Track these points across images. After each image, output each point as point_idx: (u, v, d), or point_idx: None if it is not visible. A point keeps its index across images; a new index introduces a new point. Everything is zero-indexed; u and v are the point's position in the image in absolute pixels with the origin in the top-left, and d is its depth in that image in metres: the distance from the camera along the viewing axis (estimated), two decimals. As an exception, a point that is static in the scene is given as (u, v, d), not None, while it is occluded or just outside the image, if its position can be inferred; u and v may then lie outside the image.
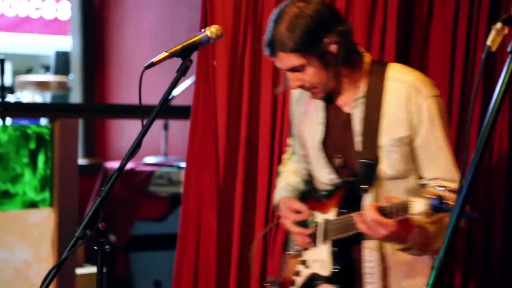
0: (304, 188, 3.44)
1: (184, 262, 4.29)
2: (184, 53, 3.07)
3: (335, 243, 3.16)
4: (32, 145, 4.50)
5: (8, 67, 8.28)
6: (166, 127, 6.88)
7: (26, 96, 8.22)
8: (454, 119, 4.48)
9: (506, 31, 2.15)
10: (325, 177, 3.26)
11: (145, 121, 2.99)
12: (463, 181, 2.13)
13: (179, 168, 6.31)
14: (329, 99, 3.24)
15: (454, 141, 4.48)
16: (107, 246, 2.91)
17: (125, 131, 7.80)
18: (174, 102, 5.98)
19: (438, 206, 2.59)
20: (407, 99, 3.09)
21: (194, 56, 3.28)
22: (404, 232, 2.90)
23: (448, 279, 4.41)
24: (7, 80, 8.21)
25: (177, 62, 3.02)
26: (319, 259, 3.22)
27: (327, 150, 3.24)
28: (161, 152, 6.94)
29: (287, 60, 3.06)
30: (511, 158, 4.62)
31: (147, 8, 7.58)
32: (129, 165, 6.39)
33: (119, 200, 6.35)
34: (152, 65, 3.00)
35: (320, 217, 3.24)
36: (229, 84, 4.22)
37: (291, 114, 3.50)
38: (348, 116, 3.19)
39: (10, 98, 8.10)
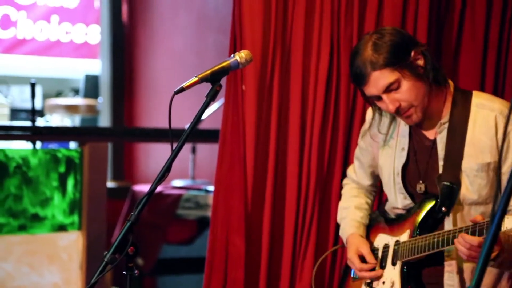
0: (367, 220, 3.46)
1: (212, 286, 4.28)
2: (213, 78, 3.06)
3: (405, 264, 3.16)
4: (62, 169, 4.51)
5: (38, 90, 8.31)
6: (194, 150, 6.88)
7: (55, 120, 8.26)
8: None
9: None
10: (401, 202, 3.27)
11: (174, 145, 2.99)
12: (495, 209, 2.11)
13: (207, 191, 6.30)
14: (412, 126, 3.25)
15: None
16: (136, 271, 2.91)
17: (153, 154, 7.81)
18: (202, 126, 5.98)
19: None
20: (494, 125, 3.09)
21: (223, 80, 3.28)
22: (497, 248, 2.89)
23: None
24: (38, 104, 8.25)
25: (206, 85, 3.03)
26: (388, 280, 3.22)
27: (407, 176, 3.25)
28: (188, 175, 6.93)
29: (382, 78, 3.06)
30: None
31: (175, 32, 7.60)
32: (158, 189, 6.39)
33: (147, 223, 6.35)
34: (182, 90, 2.99)
35: (390, 239, 3.23)
36: (257, 109, 4.22)
37: (359, 148, 3.52)
38: (432, 142, 3.19)
39: (40, 121, 8.15)
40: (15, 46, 8.47)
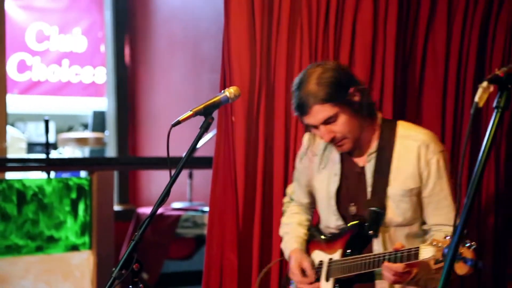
0: (307, 236, 3.41)
1: (209, 296, 4.27)
2: (206, 112, 3.07)
3: (337, 282, 3.12)
4: (73, 195, 4.50)
5: (51, 126, 8.32)
6: (191, 175, 6.87)
7: (67, 151, 8.25)
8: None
9: (491, 89, 2.14)
10: (334, 223, 3.24)
11: (172, 172, 2.99)
12: (457, 222, 2.12)
13: (203, 212, 6.29)
14: (344, 153, 3.22)
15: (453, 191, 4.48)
16: (141, 285, 2.90)
17: (155, 180, 7.79)
18: (197, 154, 5.98)
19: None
20: (417, 155, 3.09)
21: (215, 113, 3.28)
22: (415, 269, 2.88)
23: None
24: (51, 138, 8.24)
25: (201, 117, 3.03)
26: None
27: (340, 199, 3.21)
28: (186, 198, 6.92)
29: (321, 112, 3.03)
30: (497, 200, 4.59)
31: (173, 72, 7.60)
32: (159, 211, 6.37)
33: (150, 242, 6.33)
34: (178, 123, 3.00)
35: (324, 256, 3.21)
36: (246, 138, 4.22)
37: (297, 170, 3.48)
38: (361, 169, 3.18)
39: (54, 153, 8.14)
40: (30, 87, 8.48)
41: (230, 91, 3.18)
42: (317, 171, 3.31)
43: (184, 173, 6.70)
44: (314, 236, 3.36)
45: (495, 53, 4.55)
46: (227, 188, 4.24)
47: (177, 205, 6.78)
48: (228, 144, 4.24)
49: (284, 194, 4.20)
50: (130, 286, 2.91)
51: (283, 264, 3.84)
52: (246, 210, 4.23)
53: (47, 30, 8.49)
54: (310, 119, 3.06)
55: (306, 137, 3.42)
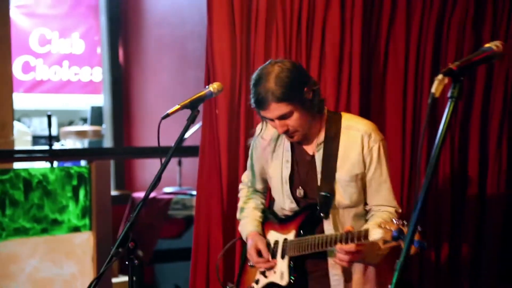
0: (263, 217, 3.41)
1: (197, 270, 4.26)
2: (192, 105, 3.07)
3: (292, 259, 3.12)
4: (75, 182, 4.48)
5: (54, 121, 8.30)
6: (180, 163, 6.86)
7: (68, 143, 8.22)
8: (407, 151, 4.48)
9: (446, 81, 2.15)
10: (288, 206, 3.22)
11: (163, 160, 2.99)
12: (416, 201, 2.12)
13: (191, 195, 6.28)
14: (295, 142, 3.21)
15: (408, 169, 4.50)
16: (136, 261, 2.90)
17: (148, 167, 7.78)
18: (186, 143, 5.97)
19: (397, 236, 2.58)
20: (361, 143, 3.08)
21: (201, 106, 3.28)
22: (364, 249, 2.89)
23: (407, 277, 4.39)
24: (54, 131, 8.22)
25: (188, 111, 3.03)
26: (278, 271, 3.17)
27: (293, 184, 3.20)
28: (176, 183, 6.91)
29: (278, 109, 2.99)
30: (453, 181, 4.62)
31: (162, 70, 7.59)
32: (152, 194, 6.37)
33: (144, 223, 6.32)
34: (167, 116, 2.99)
35: (279, 237, 3.20)
36: (228, 128, 4.22)
37: (251, 157, 3.45)
38: (312, 157, 3.17)
39: (56, 145, 8.11)
40: (34, 86, 8.45)
41: (213, 87, 3.19)
42: (270, 159, 3.29)
43: (174, 161, 6.69)
44: (268, 218, 3.35)
45: (449, 49, 4.57)
46: (212, 173, 4.24)
47: (168, 189, 6.77)
48: (212, 135, 4.23)
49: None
50: (127, 262, 2.92)
51: (242, 243, 3.80)
52: (230, 193, 4.23)
53: (48, 34, 8.47)
54: (267, 114, 3.03)
55: (258, 127, 3.38)
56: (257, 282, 3.28)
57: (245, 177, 3.56)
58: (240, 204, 3.53)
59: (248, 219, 3.41)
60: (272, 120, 3.05)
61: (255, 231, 3.33)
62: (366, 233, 2.76)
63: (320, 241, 2.98)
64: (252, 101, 3.06)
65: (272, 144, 3.29)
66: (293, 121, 3.03)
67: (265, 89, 2.98)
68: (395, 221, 2.62)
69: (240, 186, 3.60)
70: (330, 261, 3.11)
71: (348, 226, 2.93)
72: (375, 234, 2.68)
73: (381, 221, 2.69)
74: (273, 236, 3.24)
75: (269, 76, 2.99)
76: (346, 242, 2.85)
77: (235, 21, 4.19)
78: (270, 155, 3.29)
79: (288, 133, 3.07)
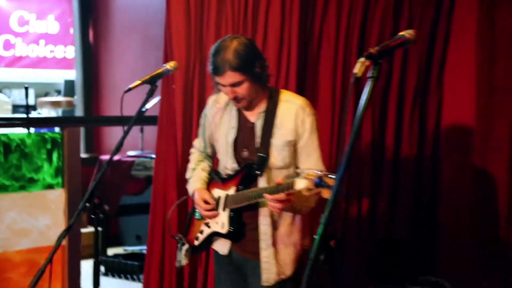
0: (209, 178, 3.41)
1: (155, 223, 4.27)
2: (151, 81, 3.06)
3: (231, 211, 3.14)
4: (49, 146, 4.43)
5: (31, 92, 8.19)
6: (142, 130, 6.82)
7: (44, 112, 8.10)
8: (335, 123, 4.52)
9: (367, 63, 2.17)
10: (230, 166, 3.23)
11: (125, 128, 2.97)
12: (341, 161, 2.15)
13: (151, 158, 6.27)
14: (240, 111, 3.21)
15: (336, 140, 4.54)
16: (101, 214, 2.90)
17: (114, 133, 7.72)
18: (147, 113, 5.92)
19: (318, 183, 2.60)
20: (296, 115, 3.08)
21: (160, 82, 3.26)
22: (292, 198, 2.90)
23: (331, 230, 4.44)
24: (31, 101, 8.10)
25: (148, 86, 3.01)
26: (220, 222, 3.18)
27: (236, 147, 3.21)
28: (139, 147, 6.88)
29: (232, 77, 2.98)
30: (373, 147, 4.68)
31: (127, 50, 7.52)
32: (117, 157, 6.33)
33: (111, 181, 6.29)
34: (129, 89, 2.98)
35: (222, 193, 3.21)
36: (183, 101, 4.21)
37: (203, 125, 3.44)
38: (253, 124, 3.17)
39: (33, 113, 8.00)
40: (14, 61, 8.33)
41: (170, 65, 3.17)
42: (218, 125, 3.29)
43: (137, 128, 6.66)
44: (213, 179, 3.34)
45: (372, 35, 4.60)
46: (169, 140, 4.24)
47: (131, 153, 6.74)
48: (169, 106, 4.22)
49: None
50: (92, 216, 2.91)
51: (189, 201, 3.81)
52: (184, 156, 4.23)
53: (27, 16, 8.33)
54: (221, 80, 3.02)
55: (211, 98, 3.37)
56: (201, 232, 3.28)
57: (197, 142, 3.55)
58: (190, 166, 3.52)
59: (195, 178, 3.40)
60: (224, 86, 3.04)
61: (201, 187, 3.33)
62: (292, 183, 2.78)
63: (254, 194, 3.00)
64: (210, 68, 3.04)
65: (220, 112, 3.29)
66: (243, 89, 3.03)
67: (223, 59, 2.97)
68: (317, 172, 2.64)
69: (192, 150, 3.59)
70: (261, 212, 3.13)
71: (280, 179, 2.94)
72: (300, 184, 2.70)
73: (307, 174, 2.70)
74: (217, 192, 3.25)
75: (228, 49, 2.98)
76: (277, 193, 2.87)
77: (190, 8, 4.17)
78: (218, 122, 3.29)
79: (236, 99, 3.07)
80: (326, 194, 2.64)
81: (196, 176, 3.40)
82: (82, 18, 7.99)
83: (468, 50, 4.69)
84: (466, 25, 4.72)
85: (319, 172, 2.63)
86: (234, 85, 3.02)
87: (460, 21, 4.76)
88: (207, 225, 3.26)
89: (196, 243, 3.29)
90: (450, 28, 4.80)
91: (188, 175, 3.48)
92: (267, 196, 2.90)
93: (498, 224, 4.58)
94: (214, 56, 3.02)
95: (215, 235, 3.21)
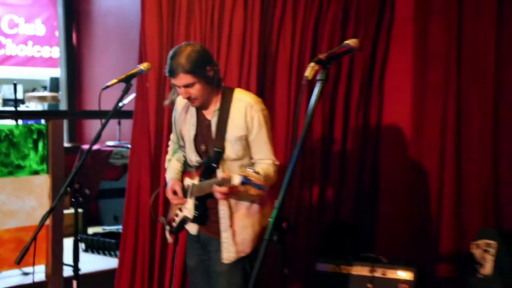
0: (183, 167, 3.40)
1: (130, 204, 4.25)
2: (126, 80, 3.05)
3: (196, 198, 3.14)
4: (35, 136, 4.36)
5: (20, 88, 8.07)
6: (119, 122, 6.75)
7: (31, 106, 7.98)
8: (291, 118, 4.54)
9: (317, 67, 2.18)
10: (194, 158, 3.22)
11: (103, 121, 2.95)
12: (293, 154, 2.15)
13: (128, 148, 6.21)
14: (198, 110, 3.20)
15: (291, 132, 4.54)
16: (80, 198, 2.87)
17: (94, 125, 7.63)
18: (125, 108, 5.87)
19: (244, 181, 2.61)
20: (245, 112, 3.06)
21: (135, 81, 3.23)
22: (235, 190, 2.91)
23: (285, 215, 4.46)
24: (20, 96, 8.00)
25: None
26: (188, 208, 3.19)
27: (196, 142, 3.21)
28: (117, 138, 6.81)
29: (184, 79, 2.96)
30: (323, 140, 4.71)
31: (107, 51, 7.45)
32: (96, 146, 6.26)
33: (91, 168, 6.22)
34: (107, 87, 2.95)
35: (190, 182, 3.21)
36: (156, 98, 4.18)
37: (174, 121, 3.41)
38: (209, 121, 3.16)
39: (21, 107, 7.89)
40: (4, 60, 8.20)
41: (143, 66, 3.15)
42: (184, 123, 3.28)
43: (115, 121, 6.60)
44: (186, 168, 3.35)
45: (324, 42, 4.62)
46: (143, 132, 4.21)
47: (110, 143, 6.67)
48: (143, 102, 4.19)
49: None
50: (73, 200, 2.88)
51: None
52: (156, 147, 4.21)
53: (16, 19, 8.21)
54: (175, 82, 3.01)
55: (179, 98, 3.34)
56: (176, 215, 3.29)
57: (172, 136, 3.54)
58: (167, 157, 3.51)
59: (170, 169, 3.39)
60: (179, 87, 3.03)
61: (175, 178, 3.32)
62: (230, 179, 2.80)
63: (207, 185, 3.02)
64: (166, 70, 3.02)
65: (184, 111, 3.28)
66: (195, 90, 3.01)
67: (177, 63, 2.96)
68: (249, 170, 2.65)
69: (169, 143, 3.58)
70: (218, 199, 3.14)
71: (225, 173, 2.95)
72: (236, 179, 2.71)
73: (242, 171, 2.70)
74: (187, 181, 3.25)
75: (181, 53, 2.97)
76: (221, 185, 2.88)
77: (162, 15, 4.14)
78: (183, 119, 3.28)
79: (190, 99, 3.05)
80: (253, 190, 2.72)
81: (171, 166, 3.40)
82: (66, 22, 7.89)
83: (405, 59, 4.77)
84: (404, 36, 4.80)
85: (251, 170, 2.63)
86: (187, 86, 3.00)
87: (399, 32, 4.84)
88: (180, 210, 3.26)
89: (174, 224, 3.29)
90: (390, 38, 4.87)
91: (166, 165, 3.46)
92: (214, 188, 2.91)
93: (428, 209, 4.65)
94: (170, 60, 3.01)
95: (186, 219, 3.21)
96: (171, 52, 3.02)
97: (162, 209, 4.15)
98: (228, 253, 3.13)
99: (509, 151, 4.37)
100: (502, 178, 4.38)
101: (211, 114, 3.14)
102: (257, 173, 2.62)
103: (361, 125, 4.82)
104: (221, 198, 2.95)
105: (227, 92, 3.13)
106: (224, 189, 2.87)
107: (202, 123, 3.18)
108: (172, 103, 3.29)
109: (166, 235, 3.34)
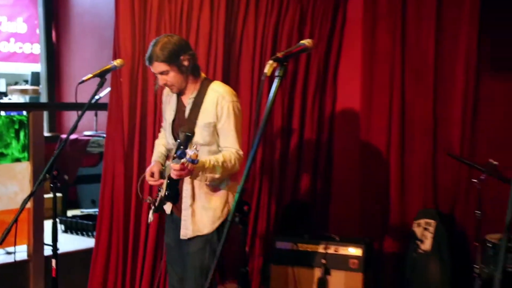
0: (167, 151, 3.37)
1: (105, 188, 4.20)
2: (101, 75, 3.01)
3: (169, 178, 3.10)
4: (17, 126, 4.28)
5: (2, 81, 7.93)
6: (96, 114, 6.65)
7: (14, 98, 7.81)
8: (253, 111, 4.54)
9: (275, 64, 2.18)
10: (171, 141, 3.21)
11: (79, 112, 2.91)
12: (253, 143, 2.15)
13: (104, 137, 6.13)
14: (179, 96, 3.18)
15: (253, 123, 4.55)
16: (58, 184, 2.84)
17: (72, 117, 7.47)
18: (101, 101, 5.79)
19: (179, 155, 2.72)
20: (217, 101, 3.06)
21: (109, 76, 3.19)
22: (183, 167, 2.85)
23: (247, 199, 4.48)
24: (2, 89, 7.85)
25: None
26: (163, 187, 3.17)
27: (174, 126, 3.18)
28: (94, 128, 6.72)
29: (159, 67, 2.99)
30: (282, 131, 4.73)
31: (84, 48, 7.34)
32: (74, 136, 6.17)
33: (70, 156, 6.13)
34: (82, 81, 2.92)
35: (167, 163, 3.20)
36: (130, 92, 4.13)
37: (163, 108, 3.41)
38: (185, 107, 3.15)
39: (4, 99, 7.76)
40: (-12, 56, 8.06)
41: (117, 62, 3.12)
42: (166, 108, 3.27)
43: (92, 112, 6.52)
44: (170, 151, 3.33)
45: (283, 41, 4.63)
46: (117, 122, 4.15)
47: (87, 132, 6.57)
48: (117, 95, 4.13)
49: (153, 128, 4.15)
50: (51, 185, 2.84)
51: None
52: (129, 137, 4.16)
53: (-1, 18, 8.05)
54: (152, 69, 3.03)
55: (165, 90, 3.33)
56: (157, 196, 3.28)
57: (163, 122, 3.51)
58: (156, 141, 3.49)
59: (155, 152, 3.38)
60: (156, 74, 3.04)
61: (157, 160, 3.29)
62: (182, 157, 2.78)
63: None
64: (146, 58, 3.04)
65: (169, 97, 3.27)
66: (170, 77, 3.02)
67: (153, 52, 2.98)
68: (197, 151, 2.66)
69: (161, 129, 3.52)
70: (185, 180, 3.12)
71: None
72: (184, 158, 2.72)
73: (188, 150, 2.70)
74: (166, 163, 3.24)
75: (158, 43, 2.99)
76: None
77: (134, 14, 4.08)
78: (167, 105, 3.27)
79: (167, 85, 3.07)
80: (208, 171, 2.90)
81: (155, 150, 3.39)
82: (46, 21, 7.74)
83: (356, 57, 4.82)
84: (354, 36, 4.84)
85: (193, 148, 2.64)
86: (162, 73, 3.02)
87: (350, 33, 4.88)
88: (159, 190, 3.23)
89: (156, 204, 3.26)
90: (342, 38, 4.91)
91: (154, 148, 3.43)
92: (171, 165, 2.88)
93: (376, 192, 4.72)
94: (149, 49, 3.03)
95: (162, 198, 3.19)
96: (151, 42, 3.04)
97: (148, 191, 4.12)
98: (185, 230, 3.13)
99: (446, 141, 4.45)
100: (439, 166, 4.46)
101: (187, 101, 3.13)
102: (197, 150, 2.64)
103: (316, 116, 4.85)
104: (176, 176, 2.89)
105: (206, 83, 3.13)
106: (176, 166, 2.83)
107: (179, 109, 3.18)
108: (161, 89, 3.28)
109: (149, 215, 3.28)
